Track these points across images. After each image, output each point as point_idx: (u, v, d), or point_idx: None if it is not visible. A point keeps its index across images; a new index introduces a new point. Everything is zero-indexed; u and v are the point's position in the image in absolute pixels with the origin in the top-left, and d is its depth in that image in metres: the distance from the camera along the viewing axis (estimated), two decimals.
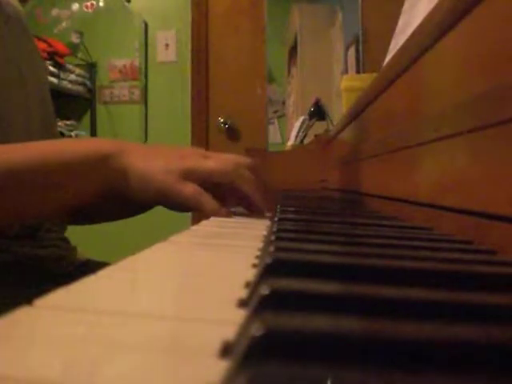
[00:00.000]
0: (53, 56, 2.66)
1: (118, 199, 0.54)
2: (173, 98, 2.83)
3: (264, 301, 0.16)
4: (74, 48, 2.94)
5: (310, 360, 0.12)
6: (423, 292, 0.18)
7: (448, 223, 0.41)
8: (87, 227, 0.80)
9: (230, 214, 0.52)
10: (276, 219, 0.42)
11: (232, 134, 2.69)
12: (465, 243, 0.34)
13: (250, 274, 0.23)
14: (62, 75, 2.74)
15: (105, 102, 2.96)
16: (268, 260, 0.21)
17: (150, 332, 0.15)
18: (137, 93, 2.91)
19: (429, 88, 0.51)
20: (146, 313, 0.17)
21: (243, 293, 0.20)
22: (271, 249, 0.25)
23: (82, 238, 1.02)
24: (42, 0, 2.93)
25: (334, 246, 0.29)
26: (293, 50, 3.14)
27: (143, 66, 2.89)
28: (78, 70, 2.88)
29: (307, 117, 2.07)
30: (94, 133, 2.92)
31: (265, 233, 0.40)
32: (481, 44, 0.37)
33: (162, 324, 0.16)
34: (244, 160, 0.55)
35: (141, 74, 2.90)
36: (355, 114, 0.92)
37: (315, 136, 1.77)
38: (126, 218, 0.70)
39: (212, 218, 0.50)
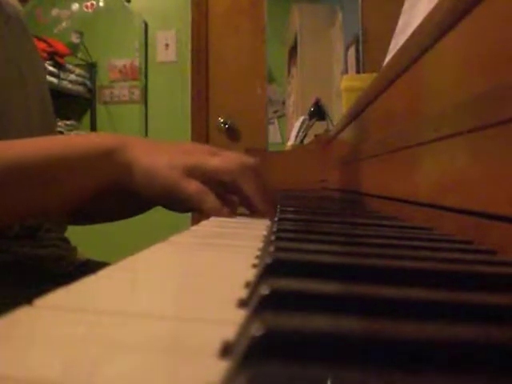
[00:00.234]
0: (53, 56, 2.66)
1: (120, 194, 0.54)
2: (173, 98, 2.83)
3: (264, 301, 0.16)
4: (74, 48, 2.94)
5: (309, 360, 0.12)
6: (423, 292, 0.18)
7: (448, 223, 0.41)
8: (87, 227, 0.80)
9: (231, 214, 0.52)
10: (276, 219, 0.42)
11: (232, 134, 2.69)
12: (465, 243, 0.34)
13: (250, 273, 0.23)
14: (62, 75, 2.74)
15: (105, 102, 2.96)
16: (268, 260, 0.21)
17: (150, 332, 0.15)
18: (137, 93, 2.91)
19: (429, 88, 0.51)
20: (146, 313, 0.17)
21: (243, 293, 0.20)
22: (271, 249, 0.25)
23: (82, 237, 1.02)
24: (41, 0, 2.93)
25: (333, 246, 0.29)
26: (293, 50, 3.14)
27: (143, 66, 2.89)
28: (78, 70, 2.88)
29: (307, 117, 2.07)
30: None
31: (265, 233, 0.40)
32: (481, 44, 0.37)
33: (162, 324, 0.16)
34: (249, 160, 0.54)
35: (141, 74, 2.90)
36: (355, 114, 0.92)
37: (315, 136, 1.77)
38: (127, 218, 0.70)
39: (212, 218, 0.50)
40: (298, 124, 2.12)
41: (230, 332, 0.15)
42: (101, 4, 2.97)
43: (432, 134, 0.46)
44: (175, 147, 0.55)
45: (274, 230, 0.34)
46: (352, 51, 2.41)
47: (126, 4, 2.90)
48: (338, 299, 0.17)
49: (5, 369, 0.12)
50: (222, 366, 0.12)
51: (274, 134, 3.09)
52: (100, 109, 2.97)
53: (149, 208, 0.65)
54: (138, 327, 0.16)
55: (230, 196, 0.56)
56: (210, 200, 0.51)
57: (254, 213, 0.55)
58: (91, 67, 2.96)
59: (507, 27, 0.32)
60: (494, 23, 0.34)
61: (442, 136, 0.43)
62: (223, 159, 0.53)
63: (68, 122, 2.84)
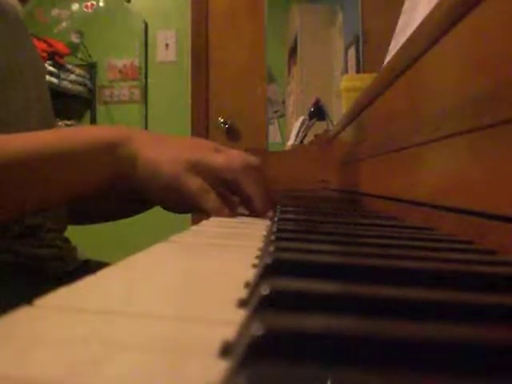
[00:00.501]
0: (53, 56, 2.66)
1: (122, 190, 0.54)
2: (173, 98, 2.83)
3: (264, 301, 0.16)
4: (73, 48, 2.94)
5: (309, 360, 0.12)
6: (423, 292, 0.18)
7: (448, 223, 0.41)
8: (87, 227, 0.80)
9: (231, 215, 0.52)
10: (276, 219, 0.42)
11: (232, 133, 2.69)
12: (465, 243, 0.34)
13: (250, 273, 0.23)
14: (62, 75, 2.74)
15: (105, 102, 2.96)
16: (268, 260, 0.21)
17: (150, 332, 0.15)
18: (137, 93, 2.91)
19: (429, 88, 0.51)
20: (145, 313, 0.17)
21: (243, 293, 0.20)
22: (271, 249, 0.25)
23: (82, 237, 1.02)
24: (41, 0, 2.93)
25: (333, 246, 0.29)
26: (293, 50, 3.15)
27: (143, 66, 2.89)
28: (78, 70, 2.88)
29: (307, 117, 2.07)
30: None
31: (265, 233, 0.40)
32: (481, 44, 0.37)
33: (162, 324, 0.16)
34: (252, 159, 0.54)
35: (141, 74, 2.90)
36: (355, 114, 0.92)
37: (315, 136, 1.78)
38: (127, 218, 0.70)
39: (212, 218, 0.50)
40: (297, 124, 2.12)
41: (229, 332, 0.15)
42: (101, 4, 2.97)
43: (432, 134, 0.46)
44: (179, 142, 0.55)
45: (274, 230, 0.34)
46: (352, 51, 2.41)
47: (126, 4, 2.90)
48: (337, 299, 0.17)
49: (5, 369, 0.12)
50: (222, 366, 0.12)
51: (273, 133, 3.10)
52: (100, 109, 2.97)
53: (149, 207, 0.65)
54: (138, 327, 0.16)
55: (230, 196, 0.56)
56: (211, 199, 0.50)
57: (253, 213, 0.55)
58: (91, 67, 2.96)
59: (507, 27, 0.32)
60: (494, 23, 0.34)
61: (441, 136, 0.43)
62: (226, 157, 0.53)
63: (68, 122, 2.84)
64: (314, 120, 2.04)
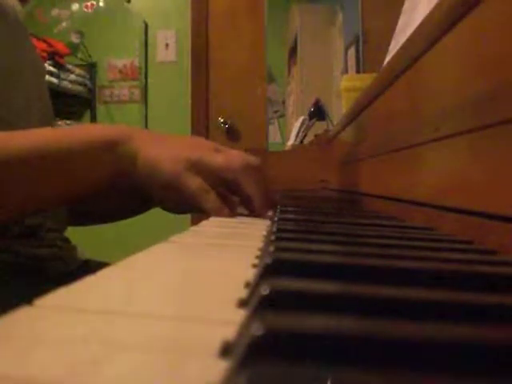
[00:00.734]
0: (53, 56, 2.66)
1: (122, 189, 0.54)
2: (173, 98, 2.83)
3: (264, 301, 0.16)
4: (73, 48, 2.94)
5: (309, 360, 0.12)
6: (423, 292, 0.18)
7: (448, 223, 0.41)
8: (87, 227, 0.80)
9: (231, 215, 0.52)
10: (276, 219, 0.42)
11: (232, 134, 2.69)
12: (465, 243, 0.34)
13: (250, 273, 0.23)
14: (62, 75, 2.74)
15: (105, 102, 2.96)
16: (268, 260, 0.21)
17: (150, 332, 0.15)
18: (137, 93, 2.91)
19: (429, 88, 0.51)
20: (145, 313, 0.17)
21: (243, 293, 0.20)
22: (271, 249, 0.25)
23: (82, 237, 1.02)
24: (41, 0, 2.93)
25: (333, 246, 0.29)
26: (293, 50, 3.15)
27: (143, 66, 2.89)
28: (78, 70, 2.88)
29: (307, 117, 2.07)
30: None
31: (265, 233, 0.40)
32: (481, 44, 0.37)
33: (162, 324, 0.16)
34: (252, 159, 0.54)
35: (141, 74, 2.90)
36: (355, 114, 0.92)
37: (315, 136, 1.78)
38: (127, 218, 0.70)
39: (212, 218, 0.50)
40: (297, 124, 2.12)
41: (229, 332, 0.15)
42: (101, 4, 2.97)
43: (432, 134, 0.46)
44: (180, 141, 0.55)
45: (274, 230, 0.34)
46: (352, 51, 2.41)
47: (126, 4, 2.90)
48: (337, 299, 0.17)
49: (5, 369, 0.12)
50: (222, 366, 0.12)
51: (273, 133, 3.10)
52: (100, 109, 2.97)
53: (148, 208, 0.65)
54: (137, 327, 0.16)
55: (230, 196, 0.56)
56: (211, 199, 0.50)
57: (253, 213, 0.55)
58: (91, 67, 2.96)
59: (507, 27, 0.32)
60: (494, 23, 0.34)
61: (442, 136, 0.43)
62: (227, 157, 0.53)
63: (68, 122, 2.83)
64: (313, 120, 2.04)
